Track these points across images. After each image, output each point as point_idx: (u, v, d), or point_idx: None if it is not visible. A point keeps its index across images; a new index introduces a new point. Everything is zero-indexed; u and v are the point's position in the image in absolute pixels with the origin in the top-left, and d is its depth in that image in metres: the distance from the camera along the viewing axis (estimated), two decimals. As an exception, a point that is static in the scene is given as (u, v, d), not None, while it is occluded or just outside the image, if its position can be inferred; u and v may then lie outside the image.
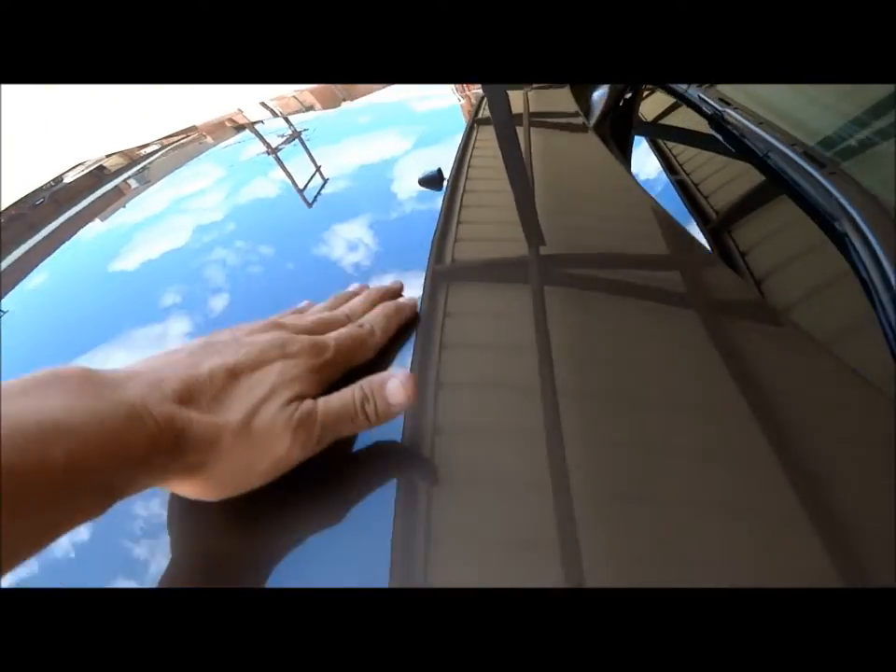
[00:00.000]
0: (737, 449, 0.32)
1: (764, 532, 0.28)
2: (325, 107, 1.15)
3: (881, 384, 0.35)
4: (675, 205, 0.62)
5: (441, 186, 0.60)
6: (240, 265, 0.62)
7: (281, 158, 0.92)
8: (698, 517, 0.29)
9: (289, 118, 1.15)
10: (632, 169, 0.74)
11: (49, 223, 0.90)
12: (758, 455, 0.31)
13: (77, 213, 0.92)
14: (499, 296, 0.48)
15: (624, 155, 0.78)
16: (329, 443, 0.33)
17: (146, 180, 1.02)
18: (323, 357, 0.36)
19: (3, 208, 1.02)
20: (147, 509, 0.35)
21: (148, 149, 1.19)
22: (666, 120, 0.85)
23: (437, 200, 0.65)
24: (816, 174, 0.54)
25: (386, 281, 0.51)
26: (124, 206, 0.92)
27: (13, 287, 0.71)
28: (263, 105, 1.20)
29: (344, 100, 1.15)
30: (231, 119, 1.24)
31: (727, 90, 0.75)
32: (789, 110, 0.69)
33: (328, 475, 0.33)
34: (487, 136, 0.83)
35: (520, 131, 0.83)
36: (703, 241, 0.56)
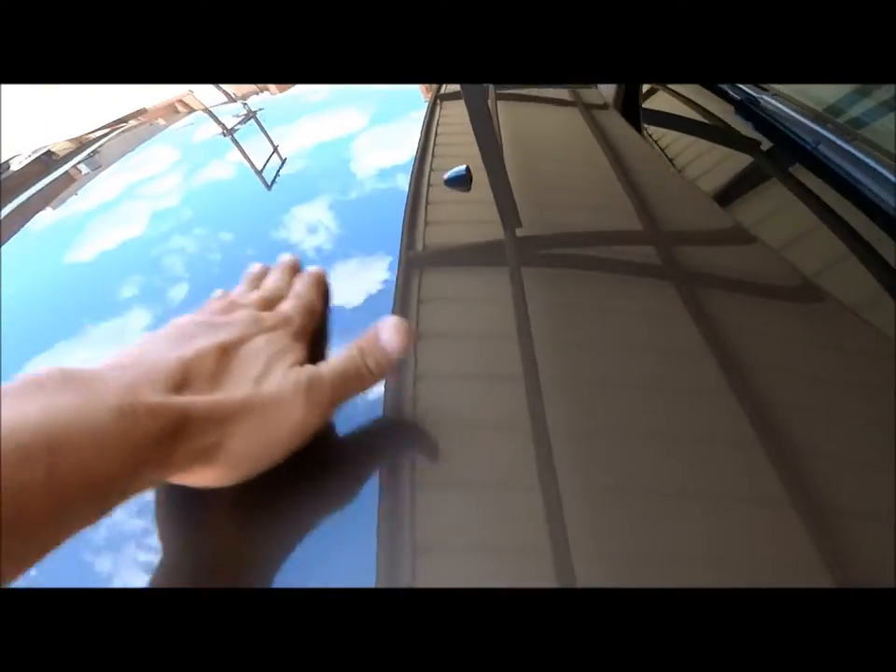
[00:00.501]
0: (728, 434, 0.31)
1: (759, 526, 0.27)
2: (279, 88, 1.11)
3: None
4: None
5: (470, 186, 0.55)
6: (198, 252, 0.60)
7: (237, 139, 0.89)
8: (689, 510, 0.28)
9: (244, 99, 1.11)
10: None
11: (-2, 213, 0.85)
12: (750, 441, 0.31)
13: (26, 201, 0.88)
14: (475, 281, 0.47)
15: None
16: (339, 405, 0.33)
17: (96, 165, 0.98)
18: (294, 327, 0.36)
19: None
20: (147, 507, 0.34)
21: (97, 133, 1.13)
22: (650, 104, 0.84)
23: (400, 179, 0.63)
24: (879, 167, 0.50)
25: (354, 266, 0.50)
26: (76, 193, 0.88)
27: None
28: (216, 86, 1.15)
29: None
30: (181, 101, 1.19)
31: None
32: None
33: (308, 472, 0.33)
34: (452, 112, 0.81)
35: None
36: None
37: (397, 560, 0.28)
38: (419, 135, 0.72)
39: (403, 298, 0.46)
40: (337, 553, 0.29)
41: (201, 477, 0.28)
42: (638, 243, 0.49)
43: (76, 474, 0.21)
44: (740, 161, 0.64)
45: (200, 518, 0.32)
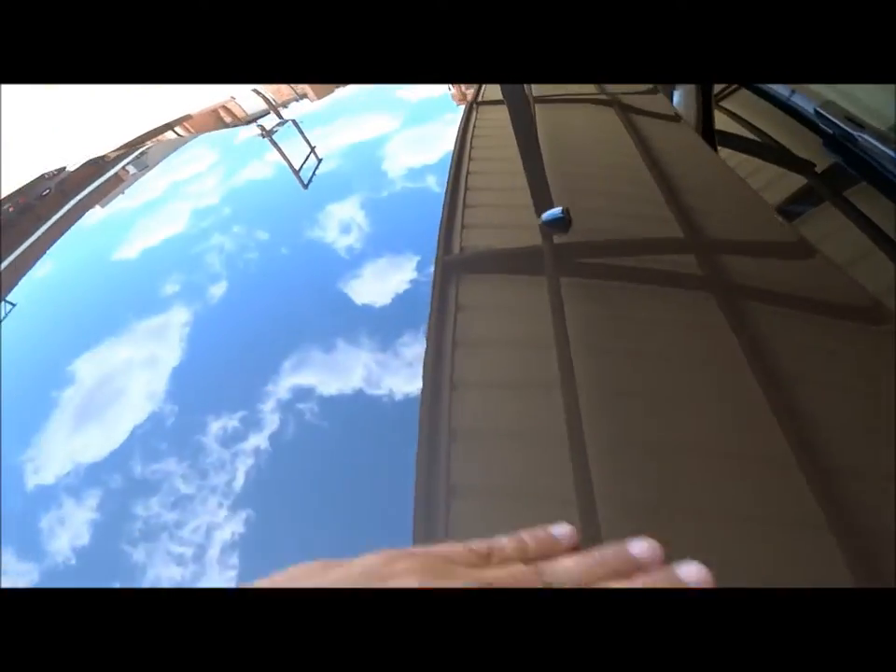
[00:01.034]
0: (763, 449, 0.30)
1: (780, 533, 0.27)
2: (318, 95, 1.13)
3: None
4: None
5: (568, 227, 0.51)
6: (237, 250, 0.62)
7: (275, 140, 0.91)
8: (723, 521, 0.28)
9: (283, 105, 1.14)
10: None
11: (55, 213, 0.90)
12: (783, 457, 0.29)
13: (80, 201, 0.92)
14: (513, 288, 0.46)
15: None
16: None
17: (143, 166, 1.02)
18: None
19: (7, 195, 1.03)
20: (147, 509, 0.35)
21: (145, 138, 1.18)
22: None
23: (434, 181, 0.64)
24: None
25: (386, 265, 0.51)
26: (123, 193, 0.92)
27: (21, 278, 0.72)
28: (256, 92, 1.19)
29: (336, 87, 1.13)
30: (224, 107, 1.23)
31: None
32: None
33: (344, 486, 0.33)
34: (488, 116, 0.81)
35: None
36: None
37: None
38: (454, 139, 0.72)
39: (440, 304, 0.45)
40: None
41: None
42: (683, 252, 0.48)
43: None
44: (795, 181, 0.63)
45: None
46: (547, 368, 0.37)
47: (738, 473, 0.30)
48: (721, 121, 0.75)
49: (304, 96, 1.15)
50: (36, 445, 0.42)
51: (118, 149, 1.15)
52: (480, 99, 0.87)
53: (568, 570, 0.30)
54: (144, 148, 1.10)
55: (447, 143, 0.71)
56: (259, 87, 1.22)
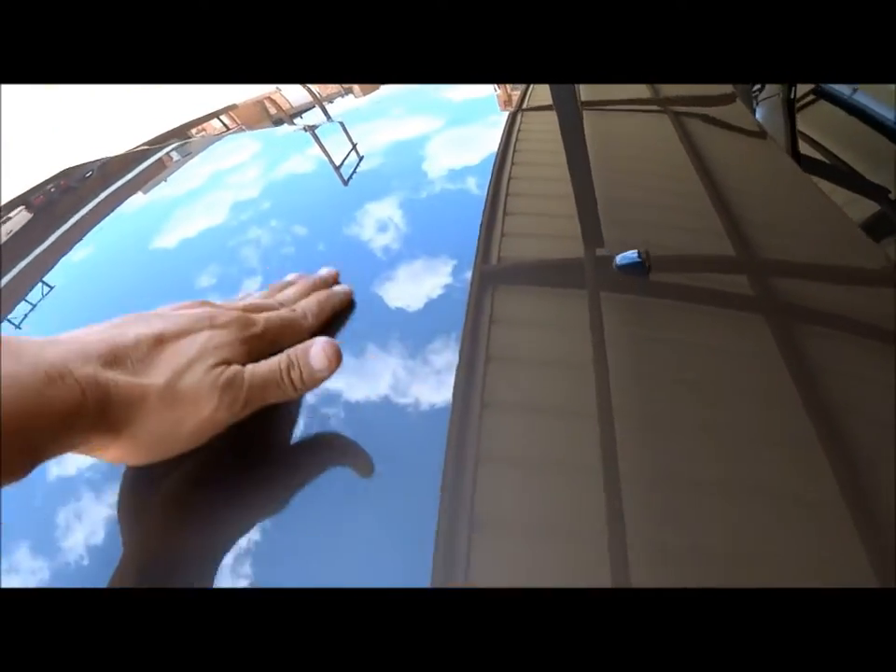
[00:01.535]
0: (814, 492, 0.29)
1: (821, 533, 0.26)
2: (363, 90, 1.13)
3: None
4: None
5: (647, 272, 0.47)
6: (273, 245, 0.61)
7: (317, 135, 0.91)
8: (767, 568, 0.26)
9: (328, 100, 1.14)
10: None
11: (96, 196, 0.91)
12: (837, 503, 0.28)
13: (122, 186, 0.93)
14: (551, 303, 0.44)
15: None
16: (255, 409, 0.34)
17: (187, 153, 1.03)
18: (250, 330, 0.36)
19: (50, 177, 1.04)
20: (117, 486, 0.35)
21: (190, 126, 1.19)
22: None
23: (475, 185, 0.62)
24: None
25: (421, 268, 0.50)
26: (165, 180, 0.93)
27: (60, 259, 0.72)
28: (303, 86, 1.19)
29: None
30: (269, 98, 1.23)
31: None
32: None
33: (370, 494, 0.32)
34: (533, 121, 0.80)
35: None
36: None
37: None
38: (498, 143, 0.70)
39: (475, 315, 0.43)
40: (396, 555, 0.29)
41: (110, 453, 0.31)
42: (735, 271, 0.45)
43: (8, 429, 0.24)
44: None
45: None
46: (583, 393, 0.35)
47: (789, 516, 0.28)
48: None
49: (350, 91, 1.15)
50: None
51: (161, 136, 1.16)
52: (526, 104, 0.86)
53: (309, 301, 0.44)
54: (188, 139, 1.11)
55: (490, 146, 0.70)
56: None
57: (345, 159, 0.77)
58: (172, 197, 0.84)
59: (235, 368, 0.33)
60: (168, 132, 1.17)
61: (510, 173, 0.63)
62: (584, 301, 0.43)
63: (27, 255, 0.76)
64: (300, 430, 0.37)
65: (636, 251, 0.45)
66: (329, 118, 1.00)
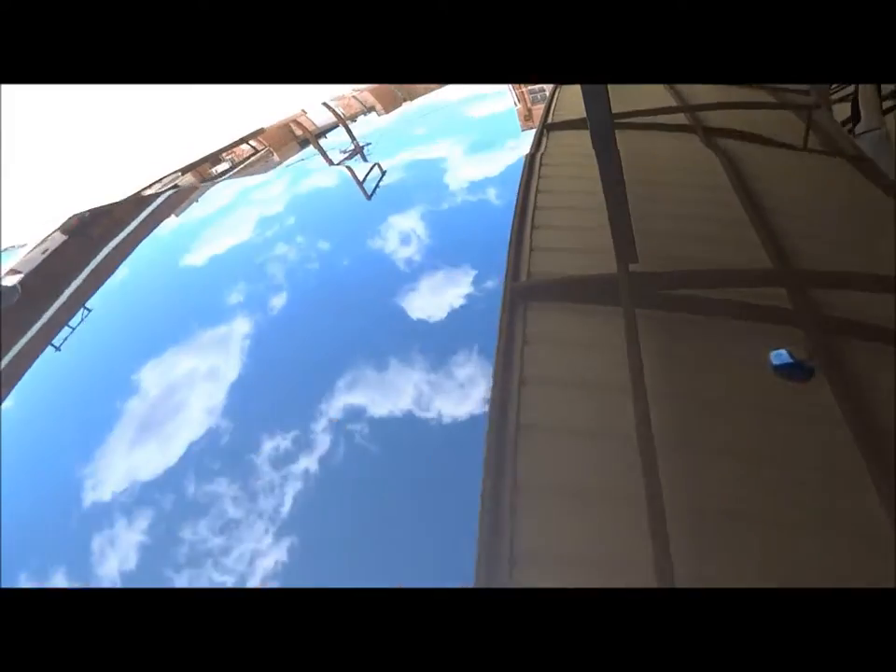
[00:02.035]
0: (855, 517, 0.27)
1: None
2: (385, 108, 1.14)
3: None
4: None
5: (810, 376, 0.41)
6: (299, 261, 0.62)
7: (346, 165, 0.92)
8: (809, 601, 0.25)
9: (352, 119, 1.16)
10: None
11: (133, 220, 0.94)
12: (878, 529, 0.27)
13: (155, 210, 0.96)
14: (585, 321, 0.43)
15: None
16: None
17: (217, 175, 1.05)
18: None
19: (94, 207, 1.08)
20: (195, 533, 0.35)
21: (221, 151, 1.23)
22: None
23: (500, 196, 0.62)
24: None
25: (443, 280, 0.50)
26: (196, 201, 0.95)
27: (102, 285, 0.75)
28: (326, 105, 1.21)
29: (405, 100, 1.13)
30: (296, 122, 1.26)
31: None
32: None
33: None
34: (562, 135, 0.79)
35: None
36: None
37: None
38: (525, 156, 0.69)
39: (508, 337, 0.41)
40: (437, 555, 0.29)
41: None
42: (771, 284, 0.43)
43: None
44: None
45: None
46: (621, 415, 0.33)
47: (827, 546, 0.27)
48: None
49: (372, 109, 1.17)
50: (98, 459, 0.43)
51: (191, 164, 1.19)
52: (551, 118, 0.85)
53: None
54: (223, 166, 1.15)
55: (514, 159, 0.69)
56: (329, 101, 1.24)
57: (368, 173, 0.78)
58: (201, 217, 0.86)
59: None
60: (199, 160, 1.21)
61: (537, 185, 0.62)
62: (619, 318, 0.41)
63: (68, 282, 0.78)
64: (326, 448, 0.37)
65: (784, 350, 0.37)
66: (352, 137, 1.02)
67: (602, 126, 0.72)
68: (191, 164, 1.19)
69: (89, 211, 1.04)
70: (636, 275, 0.45)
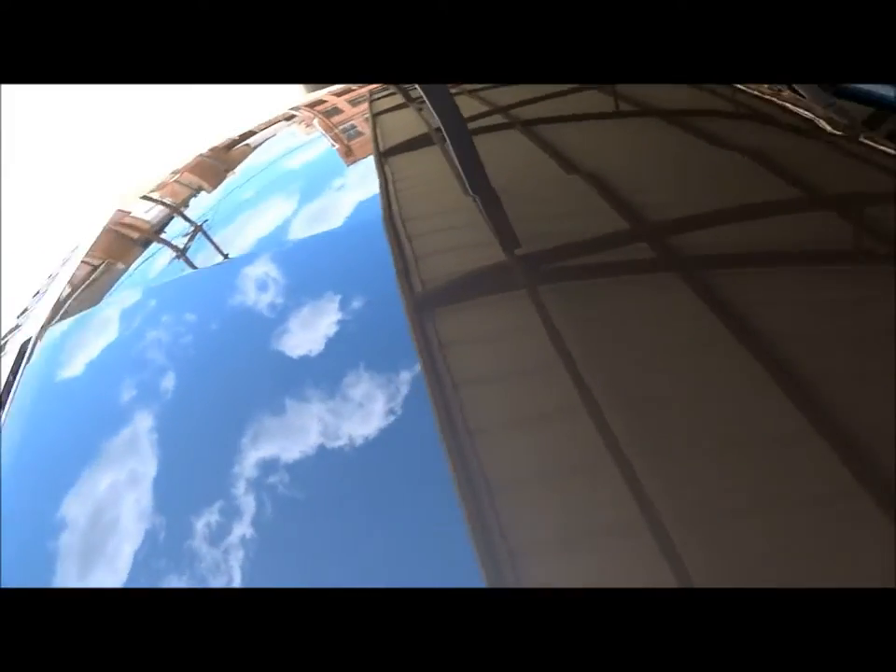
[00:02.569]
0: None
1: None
2: (211, 184, 1.08)
3: None
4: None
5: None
6: (172, 339, 0.62)
7: (189, 259, 0.86)
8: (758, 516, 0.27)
9: (184, 205, 1.13)
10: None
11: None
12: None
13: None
14: (492, 312, 0.44)
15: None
16: None
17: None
18: None
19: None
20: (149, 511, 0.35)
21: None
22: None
23: (367, 231, 0.61)
24: None
25: (308, 313, 0.50)
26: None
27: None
28: (149, 198, 1.17)
29: (226, 171, 1.10)
30: (121, 223, 1.17)
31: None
32: None
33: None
34: (400, 158, 0.80)
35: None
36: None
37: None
38: (378, 182, 0.69)
39: (425, 347, 0.41)
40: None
41: None
42: (637, 239, 0.46)
43: None
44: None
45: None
46: (561, 390, 0.34)
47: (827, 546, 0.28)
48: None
49: (199, 189, 1.14)
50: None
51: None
52: (382, 145, 0.86)
53: None
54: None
55: (354, 193, 0.71)
56: (153, 192, 1.21)
57: (221, 261, 0.75)
58: (62, 330, 0.80)
59: None
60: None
61: (398, 202, 0.63)
62: (526, 300, 0.42)
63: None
64: (254, 509, 0.38)
65: None
66: (188, 220, 1.01)
67: (457, 127, 0.75)
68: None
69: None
70: (524, 257, 0.47)
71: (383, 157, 0.80)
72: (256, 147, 1.08)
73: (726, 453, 0.30)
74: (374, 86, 1.01)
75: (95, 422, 0.60)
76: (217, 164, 1.13)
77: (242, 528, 0.37)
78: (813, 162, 0.49)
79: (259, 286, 0.61)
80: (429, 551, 0.31)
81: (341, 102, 1.09)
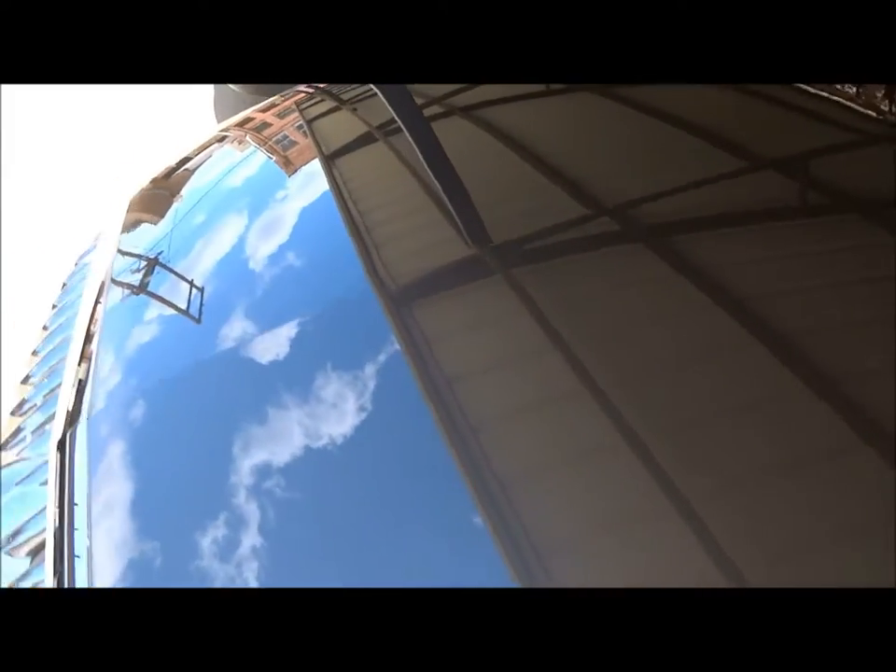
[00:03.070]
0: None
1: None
2: (159, 215, 1.01)
3: None
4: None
5: None
6: (156, 385, 0.59)
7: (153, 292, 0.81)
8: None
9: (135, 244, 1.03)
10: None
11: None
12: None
13: None
14: (471, 302, 0.43)
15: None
16: None
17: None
18: None
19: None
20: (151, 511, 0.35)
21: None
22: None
23: (328, 244, 0.61)
24: None
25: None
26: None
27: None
28: (114, 248, 1.01)
29: (172, 196, 1.03)
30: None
31: None
32: None
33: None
34: (346, 160, 0.79)
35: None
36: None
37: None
38: (329, 185, 0.68)
39: (411, 344, 0.41)
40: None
41: None
42: (599, 215, 0.46)
43: None
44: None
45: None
46: (556, 373, 0.34)
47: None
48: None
49: (148, 221, 1.05)
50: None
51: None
52: (325, 149, 0.84)
53: None
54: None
55: (299, 201, 0.71)
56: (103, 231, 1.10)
57: (189, 297, 0.71)
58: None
59: None
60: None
61: (356, 207, 0.63)
62: (505, 287, 0.42)
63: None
64: (258, 516, 0.37)
65: None
66: (150, 268, 0.90)
67: (417, 124, 0.73)
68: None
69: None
70: (495, 244, 0.47)
71: (328, 160, 0.79)
72: (195, 171, 1.04)
73: (741, 416, 0.30)
74: (300, 96, 1.01)
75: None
76: (161, 192, 1.08)
77: (250, 538, 0.36)
78: (756, 127, 0.50)
79: (229, 309, 0.59)
80: (452, 550, 0.31)
81: (268, 116, 1.07)
